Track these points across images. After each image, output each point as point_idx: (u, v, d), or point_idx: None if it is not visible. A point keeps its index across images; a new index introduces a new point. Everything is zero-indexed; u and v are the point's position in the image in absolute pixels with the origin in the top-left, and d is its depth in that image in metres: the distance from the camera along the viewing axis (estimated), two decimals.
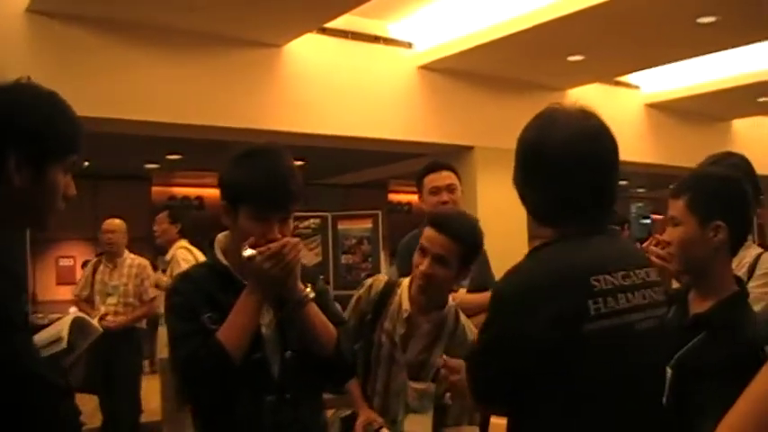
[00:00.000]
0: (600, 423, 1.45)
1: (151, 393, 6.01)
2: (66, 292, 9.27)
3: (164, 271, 5.87)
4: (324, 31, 6.58)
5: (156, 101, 5.88)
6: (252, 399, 1.84)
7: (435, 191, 3.29)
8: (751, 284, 2.33)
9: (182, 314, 1.87)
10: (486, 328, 1.57)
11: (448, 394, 2.25)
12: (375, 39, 6.97)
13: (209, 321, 1.83)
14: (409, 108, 7.22)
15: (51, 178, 1.35)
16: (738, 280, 1.94)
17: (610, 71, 8.09)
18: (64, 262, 11.75)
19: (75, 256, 11.66)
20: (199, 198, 10.22)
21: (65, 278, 11.19)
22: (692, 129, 9.48)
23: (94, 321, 4.18)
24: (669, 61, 7.70)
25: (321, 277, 2.21)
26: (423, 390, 2.30)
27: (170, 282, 4.91)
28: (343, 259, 8.10)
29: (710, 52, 7.29)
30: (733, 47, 7.08)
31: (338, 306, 2.20)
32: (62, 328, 3.33)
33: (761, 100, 8.92)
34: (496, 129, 7.25)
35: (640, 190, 14.37)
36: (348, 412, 2.39)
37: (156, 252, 7.05)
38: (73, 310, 5.26)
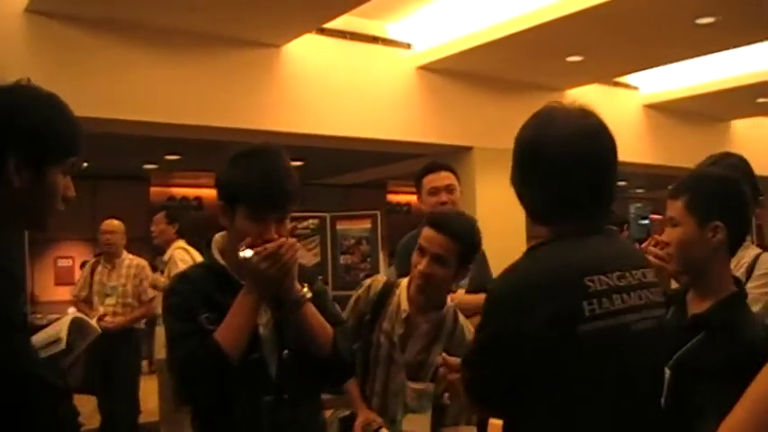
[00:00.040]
0: (595, 424, 1.45)
1: (150, 394, 6.01)
2: (64, 293, 9.26)
3: (161, 272, 5.87)
4: (323, 31, 6.58)
5: (155, 101, 5.88)
6: (249, 399, 1.84)
7: (434, 191, 3.29)
8: (749, 285, 2.34)
9: (179, 315, 1.87)
10: (483, 327, 1.56)
11: (446, 394, 2.25)
12: (374, 39, 6.96)
13: (207, 322, 1.83)
14: (408, 108, 7.22)
15: (51, 180, 1.35)
16: (737, 280, 1.95)
17: (608, 72, 8.09)
18: (62, 262, 11.75)
19: (73, 256, 11.66)
20: (197, 198, 10.20)
21: (63, 278, 11.19)
22: (691, 129, 9.49)
23: (93, 322, 4.18)
24: (668, 62, 7.70)
25: (320, 277, 2.21)
26: (421, 390, 2.30)
27: (167, 282, 4.92)
28: (342, 260, 8.11)
29: (709, 53, 7.28)
30: (732, 47, 7.08)
31: (337, 306, 2.19)
32: (61, 328, 3.34)
33: (760, 100, 8.92)
34: (495, 129, 7.25)
35: (639, 190, 14.38)
36: (347, 413, 2.39)
37: (154, 252, 7.05)
38: (71, 310, 5.26)
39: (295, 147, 6.31)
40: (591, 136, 1.53)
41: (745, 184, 1.94)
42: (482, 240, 2.40)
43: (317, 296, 1.96)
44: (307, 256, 7.66)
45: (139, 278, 5.73)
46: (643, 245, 2.11)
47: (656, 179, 10.71)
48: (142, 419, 5.96)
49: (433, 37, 7.00)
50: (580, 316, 1.41)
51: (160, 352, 5.40)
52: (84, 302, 5.78)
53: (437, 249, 2.27)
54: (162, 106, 5.91)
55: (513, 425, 1.55)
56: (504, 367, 1.49)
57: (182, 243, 5.59)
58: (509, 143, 1.61)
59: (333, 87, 6.70)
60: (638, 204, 13.08)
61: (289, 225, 1.93)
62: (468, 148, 7.60)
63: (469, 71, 7.36)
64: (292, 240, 1.85)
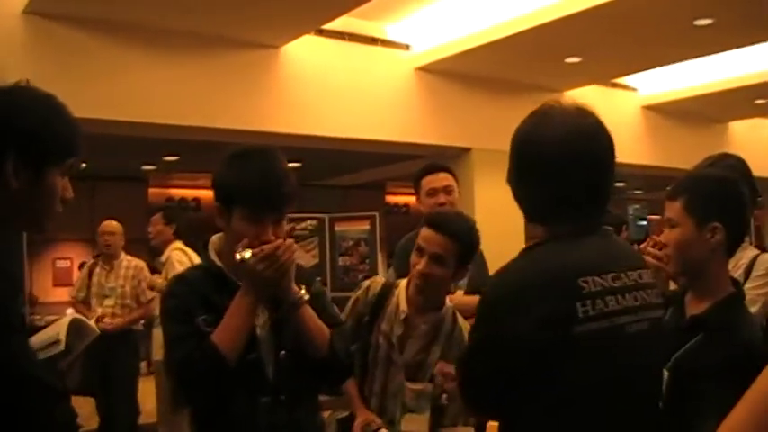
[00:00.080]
0: (590, 425, 1.44)
1: (148, 395, 6.01)
2: (63, 294, 9.26)
3: (159, 273, 5.86)
4: (321, 32, 6.58)
5: (154, 102, 5.88)
6: (247, 400, 1.84)
7: (432, 192, 3.29)
8: (747, 286, 2.35)
9: (177, 317, 1.87)
10: (477, 327, 1.56)
11: (445, 395, 2.25)
12: (372, 40, 6.96)
13: (204, 324, 1.82)
14: (407, 110, 7.22)
15: (49, 181, 1.35)
16: (735, 281, 1.95)
17: (607, 73, 8.09)
18: (61, 263, 11.75)
19: (72, 257, 11.66)
20: (196, 200, 10.20)
21: (62, 280, 11.19)
22: (690, 131, 9.49)
23: (92, 323, 4.19)
24: (666, 63, 7.70)
25: (318, 279, 2.21)
26: (420, 390, 2.31)
27: (165, 283, 4.92)
28: (341, 261, 8.09)
29: (707, 54, 7.29)
30: (730, 49, 7.08)
31: (335, 308, 2.19)
32: (60, 329, 3.34)
33: (758, 102, 8.93)
34: (494, 130, 7.24)
35: (637, 192, 14.38)
36: (345, 413, 2.39)
37: (152, 254, 7.04)
38: (70, 311, 5.26)
39: (293, 148, 6.34)
40: (588, 135, 1.53)
41: (743, 185, 1.94)
42: (480, 241, 2.40)
43: (315, 297, 1.95)
44: (305, 258, 7.65)
45: (138, 279, 5.72)
46: (641, 246, 2.11)
47: (654, 180, 10.72)
48: (141, 421, 5.96)
49: (432, 38, 7.00)
50: (574, 317, 1.40)
51: (158, 353, 5.39)
52: (83, 303, 5.78)
53: (436, 249, 2.27)
54: (160, 107, 5.91)
55: (508, 426, 1.55)
56: (498, 368, 1.48)
57: (179, 244, 5.57)
58: (507, 144, 1.61)
59: (331, 88, 6.70)
60: (637, 205, 13.10)
61: (286, 226, 1.92)
62: (467, 150, 7.61)
63: (468, 72, 7.36)
64: (289, 241, 1.85)
